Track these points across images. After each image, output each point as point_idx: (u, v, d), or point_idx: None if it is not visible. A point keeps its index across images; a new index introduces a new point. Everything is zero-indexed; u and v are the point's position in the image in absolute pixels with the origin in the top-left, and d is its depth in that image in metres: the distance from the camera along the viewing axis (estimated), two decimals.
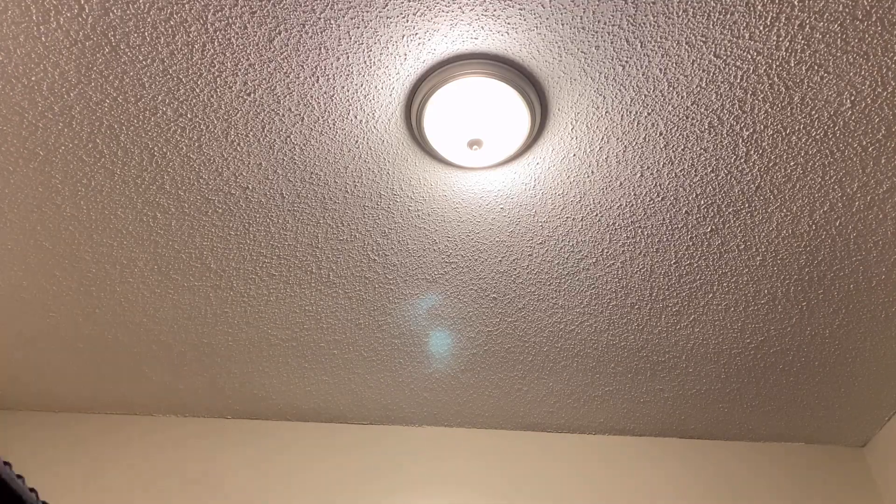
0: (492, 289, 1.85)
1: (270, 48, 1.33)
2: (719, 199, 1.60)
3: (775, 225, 1.65)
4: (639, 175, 1.56)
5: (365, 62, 1.35)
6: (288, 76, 1.38)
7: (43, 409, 2.31)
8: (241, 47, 1.33)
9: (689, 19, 1.28)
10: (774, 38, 1.30)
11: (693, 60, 1.34)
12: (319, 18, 1.28)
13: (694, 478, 2.28)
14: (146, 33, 1.30)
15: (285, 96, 1.41)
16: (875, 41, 1.30)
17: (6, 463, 0.59)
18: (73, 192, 1.60)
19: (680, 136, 1.48)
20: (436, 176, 1.58)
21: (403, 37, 1.31)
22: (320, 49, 1.33)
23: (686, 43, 1.31)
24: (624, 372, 2.10)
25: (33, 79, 1.38)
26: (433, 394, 2.21)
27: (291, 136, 1.49)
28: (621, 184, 1.58)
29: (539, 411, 2.27)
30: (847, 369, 2.06)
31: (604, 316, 1.92)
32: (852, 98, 1.39)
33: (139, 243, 1.72)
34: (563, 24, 1.29)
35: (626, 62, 1.35)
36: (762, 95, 1.40)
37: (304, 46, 1.32)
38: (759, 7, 1.25)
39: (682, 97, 1.40)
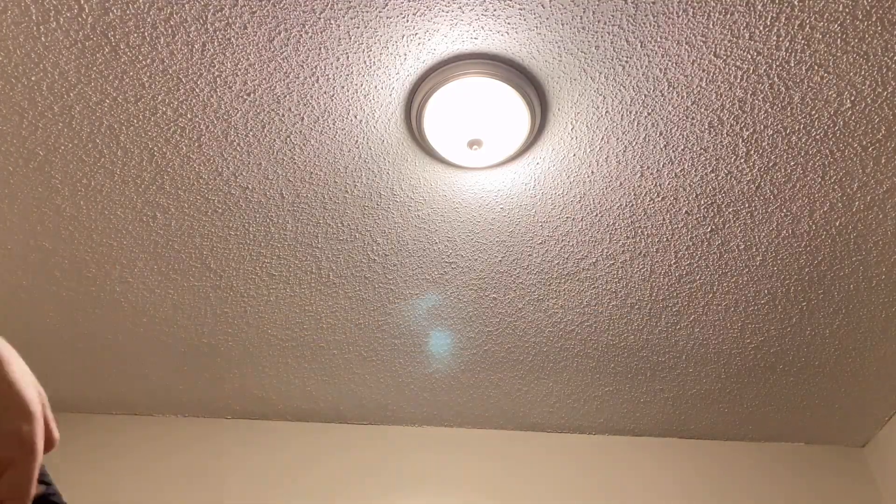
0: (492, 289, 1.85)
1: (270, 48, 1.33)
2: (719, 199, 1.60)
3: (775, 225, 1.65)
4: (639, 175, 1.56)
5: (365, 62, 1.35)
6: (288, 76, 1.37)
7: None
8: (241, 47, 1.33)
9: (689, 19, 1.27)
10: (774, 38, 1.30)
11: (693, 60, 1.34)
12: (319, 18, 1.28)
13: (694, 478, 2.28)
14: (146, 33, 1.30)
15: (285, 96, 1.41)
16: (875, 41, 1.30)
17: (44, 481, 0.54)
18: (73, 192, 1.60)
19: (680, 136, 1.48)
20: (436, 176, 1.58)
21: (403, 37, 1.31)
22: (320, 49, 1.33)
23: (686, 43, 1.31)
24: (624, 372, 2.10)
25: (33, 79, 1.38)
26: (433, 394, 2.20)
27: (291, 136, 1.49)
28: (621, 184, 1.58)
29: (539, 411, 2.27)
30: (847, 369, 2.06)
31: (604, 316, 1.92)
32: (852, 98, 1.39)
33: (139, 243, 1.72)
34: (563, 24, 1.29)
35: (626, 62, 1.35)
36: (762, 95, 1.39)
37: (304, 46, 1.32)
38: (759, 7, 1.25)
39: (682, 97, 1.40)
